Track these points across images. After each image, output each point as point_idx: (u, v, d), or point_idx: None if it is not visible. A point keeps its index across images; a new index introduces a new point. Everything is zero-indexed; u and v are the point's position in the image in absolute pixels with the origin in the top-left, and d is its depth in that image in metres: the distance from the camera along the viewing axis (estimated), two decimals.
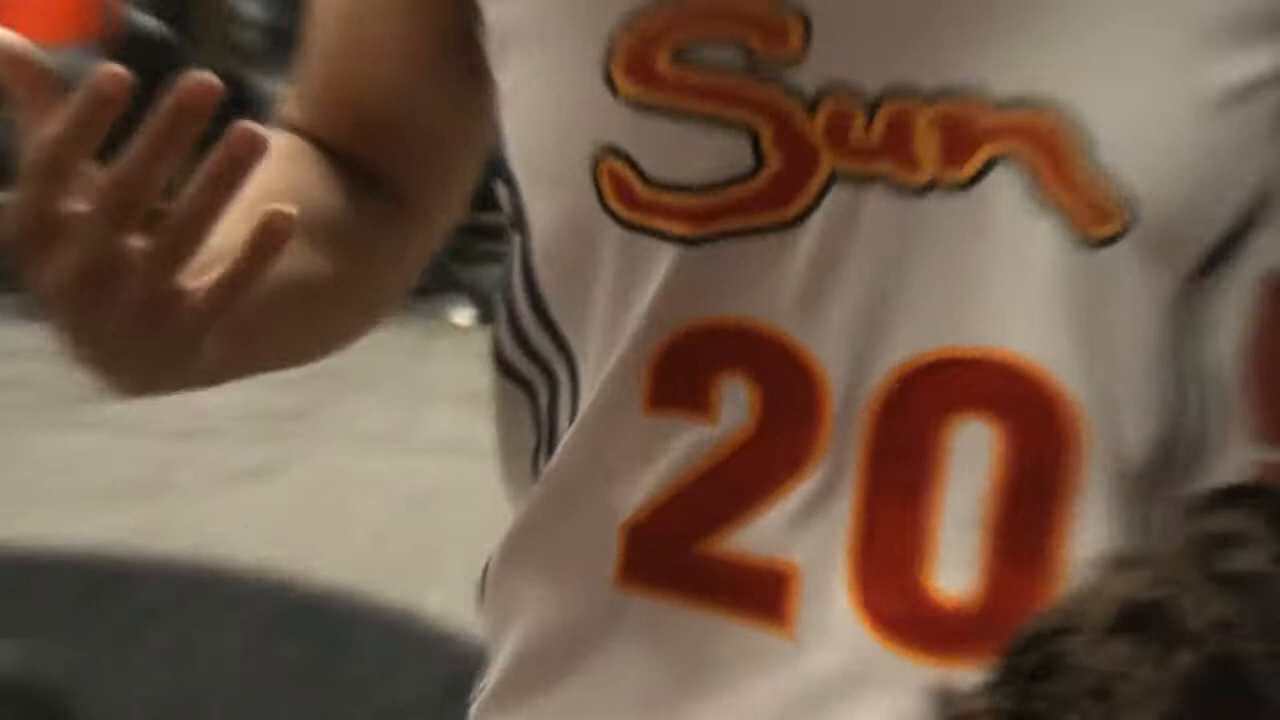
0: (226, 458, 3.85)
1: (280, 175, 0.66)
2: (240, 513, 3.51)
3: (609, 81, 0.62)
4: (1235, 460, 0.66)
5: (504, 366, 0.68)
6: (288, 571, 2.72)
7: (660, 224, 0.62)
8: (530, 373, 0.67)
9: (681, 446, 0.64)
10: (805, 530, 0.63)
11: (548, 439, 0.67)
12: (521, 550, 0.67)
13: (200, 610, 2.61)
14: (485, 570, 0.69)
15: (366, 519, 3.59)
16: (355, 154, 0.72)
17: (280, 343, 0.68)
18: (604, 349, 0.64)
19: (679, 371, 0.64)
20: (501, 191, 0.67)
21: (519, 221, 0.66)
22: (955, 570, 0.62)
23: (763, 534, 0.63)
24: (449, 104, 0.70)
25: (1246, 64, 0.61)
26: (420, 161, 0.72)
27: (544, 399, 0.67)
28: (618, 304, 0.64)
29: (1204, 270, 0.63)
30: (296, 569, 2.74)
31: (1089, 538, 0.62)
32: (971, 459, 0.62)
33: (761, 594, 0.63)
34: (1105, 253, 0.61)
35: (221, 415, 3.68)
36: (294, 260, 0.62)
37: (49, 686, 2.37)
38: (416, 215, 0.72)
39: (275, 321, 0.65)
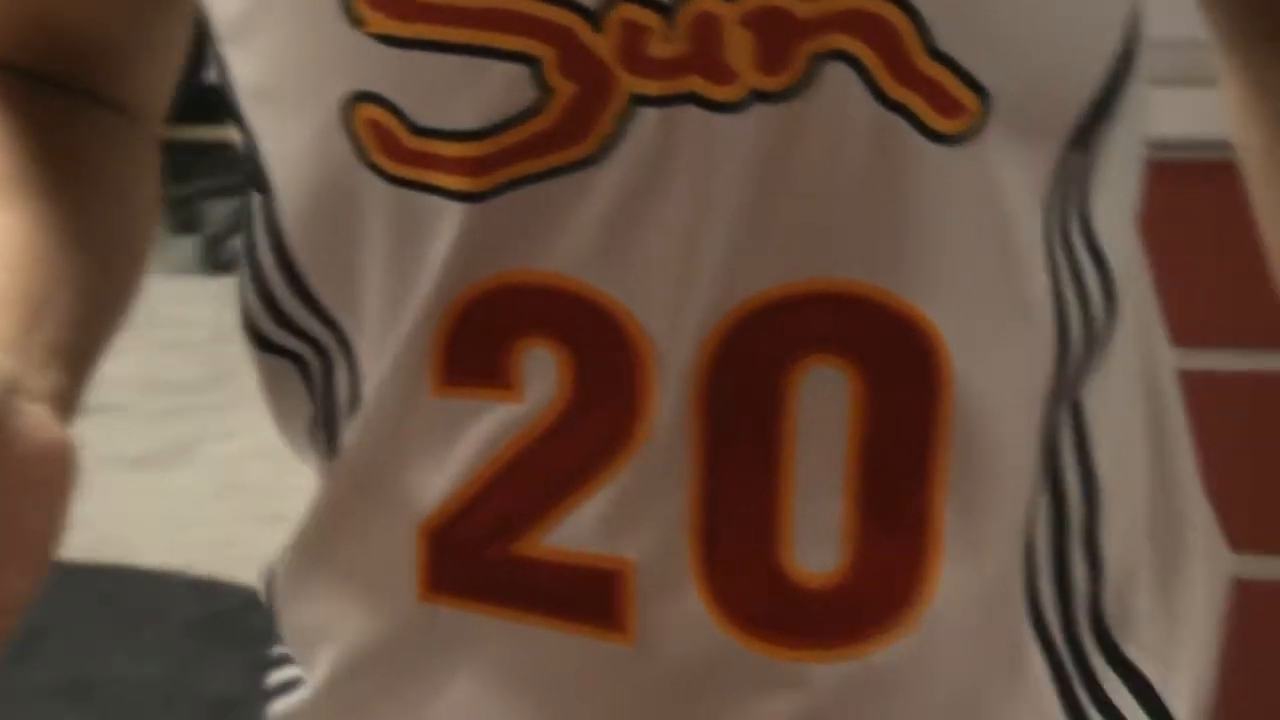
0: (127, 439, 3.48)
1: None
2: (145, 505, 3.22)
3: (352, 15, 0.54)
4: (1130, 364, 0.64)
5: (259, 340, 0.63)
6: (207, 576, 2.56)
7: (436, 178, 0.56)
8: (295, 345, 0.62)
9: (482, 431, 0.57)
10: (636, 519, 0.57)
11: (324, 412, 0.62)
12: (311, 560, 0.63)
13: (101, 628, 2.39)
14: (269, 579, 0.65)
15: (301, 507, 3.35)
16: (57, 71, 0.68)
17: (108, 333, 0.66)
18: (382, 324, 0.58)
19: (473, 343, 0.58)
20: (237, 137, 0.60)
21: (259, 178, 0.60)
22: (817, 546, 0.57)
23: (585, 528, 0.57)
24: (154, 19, 0.67)
25: None
26: (127, 70, 0.69)
27: (316, 369, 0.62)
28: (393, 273, 0.57)
29: (1076, 144, 0.59)
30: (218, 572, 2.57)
31: (967, 489, 0.57)
32: (824, 412, 0.56)
33: (590, 598, 0.57)
34: (965, 150, 0.55)
35: (117, 389, 3.37)
36: (98, 247, 0.64)
37: None
38: (141, 118, 0.70)
39: (102, 318, 0.65)
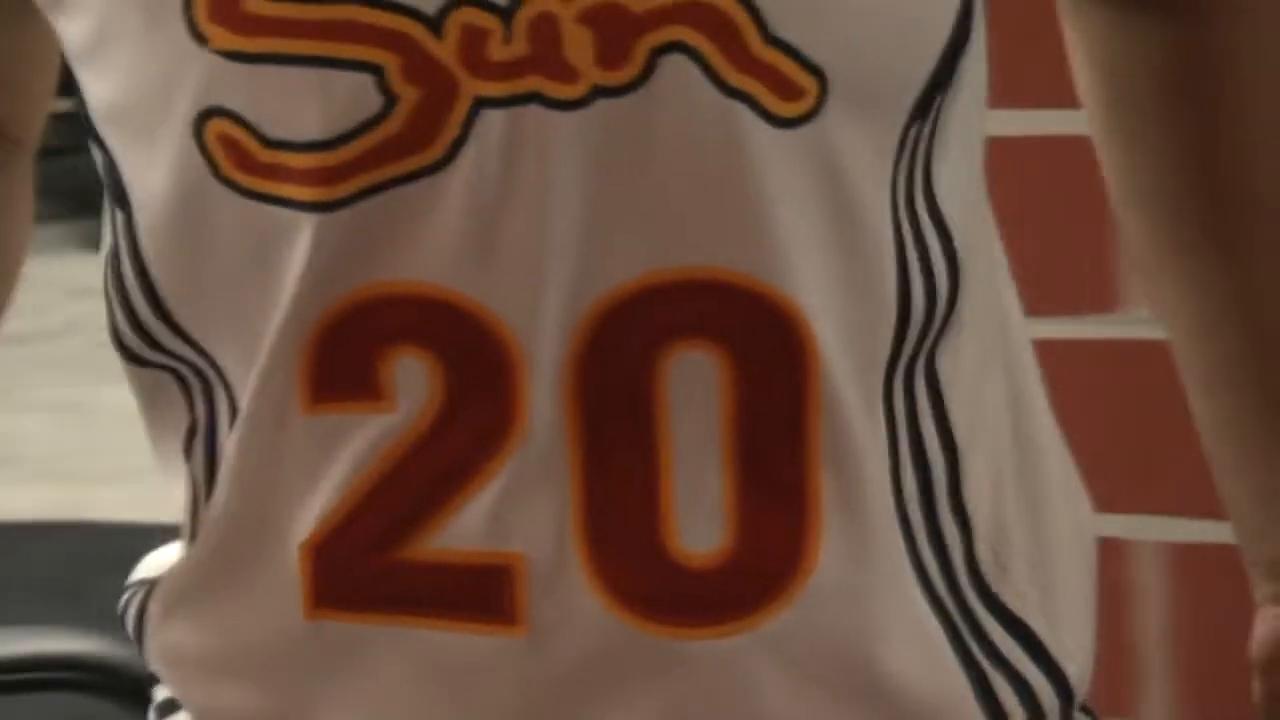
0: None
1: None
2: None
3: (196, 33, 0.57)
4: (984, 328, 0.66)
5: (130, 355, 0.63)
6: None
7: (288, 190, 0.58)
8: (167, 362, 0.62)
9: (357, 444, 0.59)
10: (521, 514, 0.59)
11: (207, 428, 0.62)
12: (187, 590, 0.63)
13: None
14: (138, 613, 0.65)
15: None
16: None
17: None
18: (245, 346, 0.59)
19: (340, 358, 0.59)
20: (95, 155, 0.62)
21: (118, 194, 0.61)
22: (700, 525, 0.59)
23: (471, 527, 0.59)
24: (16, 34, 0.66)
25: None
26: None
27: (195, 385, 0.62)
28: (251, 292, 0.59)
29: (917, 117, 0.61)
30: None
31: (847, 452, 0.59)
32: (695, 396, 0.59)
33: (482, 594, 0.59)
34: (807, 130, 0.58)
35: None
36: None
37: None
38: (14, 141, 0.71)
39: None
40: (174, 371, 0.63)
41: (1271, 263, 0.70)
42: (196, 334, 0.61)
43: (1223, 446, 0.72)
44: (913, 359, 0.62)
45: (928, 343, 0.63)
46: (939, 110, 0.62)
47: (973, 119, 0.65)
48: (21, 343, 4.20)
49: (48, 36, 0.64)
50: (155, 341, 0.62)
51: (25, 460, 3.88)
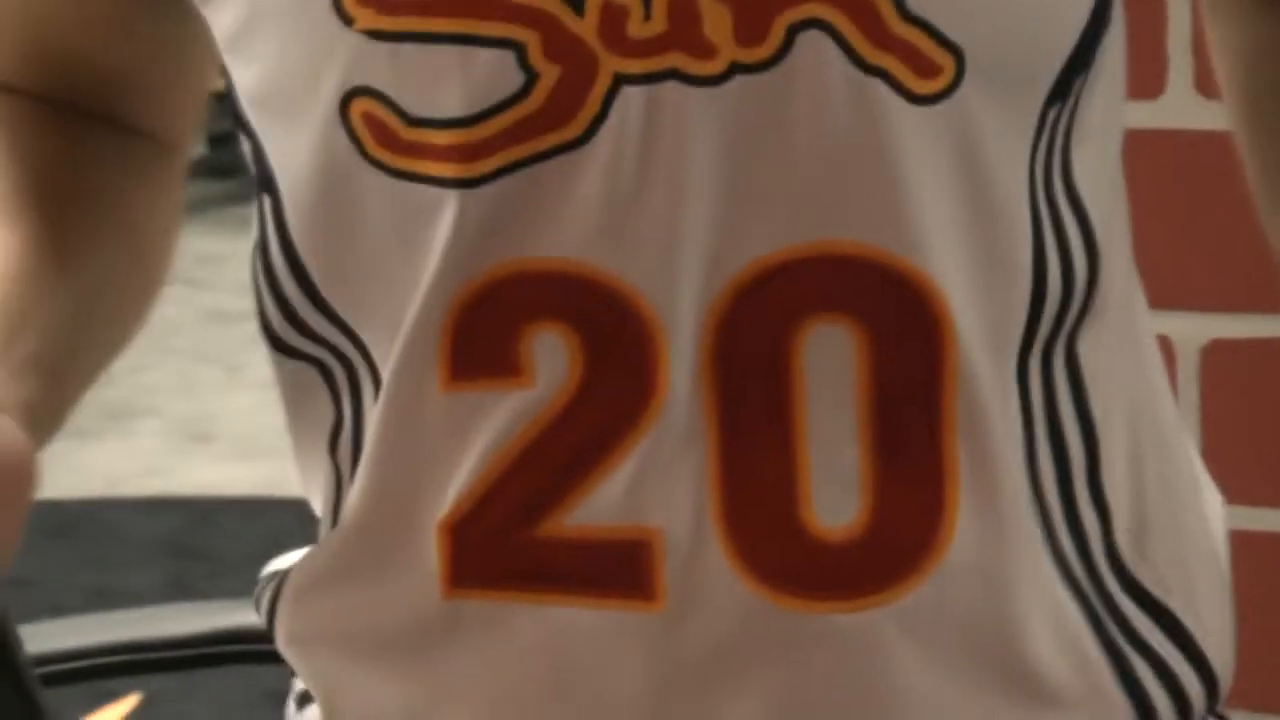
0: None
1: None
2: None
3: (340, 12, 0.57)
4: (1121, 317, 0.66)
5: (280, 345, 0.64)
6: None
7: (431, 167, 0.58)
8: (315, 351, 0.63)
9: (496, 421, 0.59)
10: (660, 488, 0.59)
11: (354, 423, 0.62)
12: (323, 585, 0.64)
13: None
14: (270, 602, 0.66)
15: None
16: (76, 98, 0.71)
17: (102, 353, 0.69)
18: (391, 323, 0.60)
19: (480, 334, 0.60)
20: (243, 144, 0.63)
21: (266, 181, 0.63)
22: (836, 499, 0.59)
23: (609, 502, 0.59)
24: (152, 37, 0.68)
25: None
26: (145, 95, 0.72)
27: (341, 377, 0.63)
28: (396, 269, 0.60)
29: (1061, 93, 0.61)
30: None
31: (982, 425, 0.59)
32: (831, 369, 0.59)
33: (620, 569, 0.59)
34: (944, 107, 0.58)
35: None
36: (95, 273, 0.67)
37: None
38: (164, 141, 0.73)
39: (96, 340, 0.68)
40: (321, 364, 0.64)
41: None
42: (346, 315, 0.61)
43: None
44: (1050, 342, 0.62)
45: (1065, 327, 0.62)
46: (1078, 94, 0.61)
47: (1113, 105, 0.64)
48: (234, 320, 4.26)
49: (194, 38, 0.66)
50: (305, 326, 0.63)
51: (228, 437, 3.95)
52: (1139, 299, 0.69)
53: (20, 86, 0.70)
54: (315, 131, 0.59)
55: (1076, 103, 0.61)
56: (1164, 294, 1.32)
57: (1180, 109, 1.26)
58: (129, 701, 2.56)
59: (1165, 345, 1.41)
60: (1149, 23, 1.28)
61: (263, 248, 0.63)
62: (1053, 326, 0.62)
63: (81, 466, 3.51)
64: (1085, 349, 0.63)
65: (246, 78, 0.61)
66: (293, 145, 0.61)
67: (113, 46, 0.69)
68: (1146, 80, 1.32)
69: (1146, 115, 1.35)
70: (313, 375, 0.64)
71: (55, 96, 0.70)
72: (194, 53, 0.68)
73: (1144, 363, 0.69)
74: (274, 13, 0.59)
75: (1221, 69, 0.74)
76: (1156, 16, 1.27)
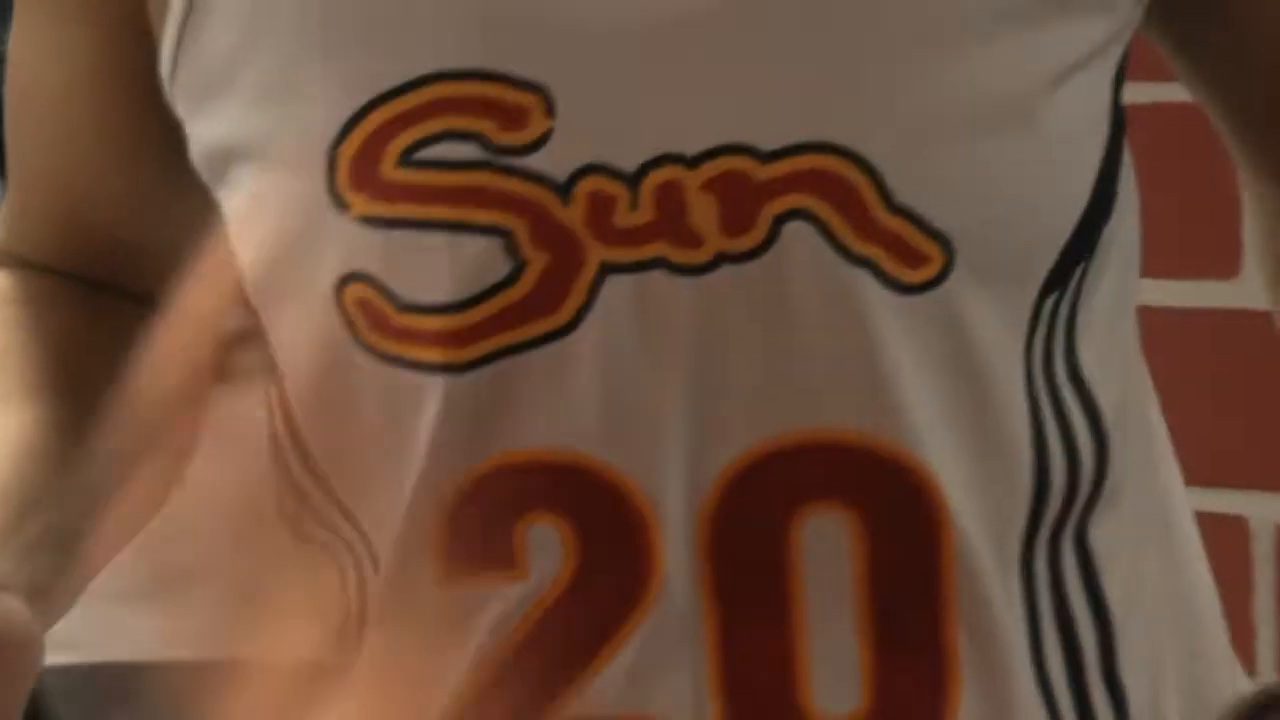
0: None
1: (39, 339, 0.70)
2: None
3: (338, 200, 0.59)
4: (1141, 501, 0.65)
5: (295, 530, 0.64)
6: None
7: (420, 353, 0.59)
8: (323, 536, 0.63)
9: (493, 614, 0.60)
10: (659, 677, 0.59)
11: (359, 614, 0.62)
12: None
13: None
14: None
15: None
16: (88, 271, 0.73)
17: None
18: (387, 512, 0.61)
19: (472, 527, 0.60)
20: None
21: (268, 361, 0.64)
22: (836, 687, 0.59)
23: (610, 691, 0.59)
24: (177, 215, 0.68)
25: (1030, 64, 0.59)
26: (166, 272, 0.67)
27: (349, 564, 0.63)
28: (388, 455, 0.60)
29: (1059, 279, 0.61)
30: None
31: (984, 615, 0.59)
32: (828, 558, 0.59)
33: None
34: (932, 297, 0.58)
35: None
36: (119, 448, 0.64)
37: None
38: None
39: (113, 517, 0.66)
40: (329, 548, 0.64)
41: None
42: (348, 501, 0.62)
43: None
44: (1057, 530, 0.61)
45: (1074, 515, 0.62)
46: (1079, 282, 0.61)
47: (1123, 290, 0.64)
48: None
49: (202, 213, 0.67)
50: (313, 509, 0.64)
51: None
52: (1169, 481, 0.68)
53: (48, 263, 0.72)
54: (311, 314, 0.60)
55: (1079, 291, 0.61)
56: (1238, 474, 1.32)
57: (1258, 290, 1.27)
58: None
59: (1240, 525, 1.41)
60: (1223, 202, 1.29)
61: (271, 428, 0.64)
62: (1059, 515, 0.61)
63: None
64: (1098, 535, 0.62)
65: (249, 261, 0.62)
66: (291, 326, 0.61)
67: (134, 223, 0.71)
68: (1223, 260, 1.33)
69: (1224, 295, 1.35)
70: (327, 564, 0.65)
71: (80, 273, 0.72)
72: (195, 223, 0.70)
73: (1174, 544, 0.67)
74: (273, 196, 0.60)
75: (1255, 234, 0.75)
76: (1230, 194, 1.28)
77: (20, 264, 0.72)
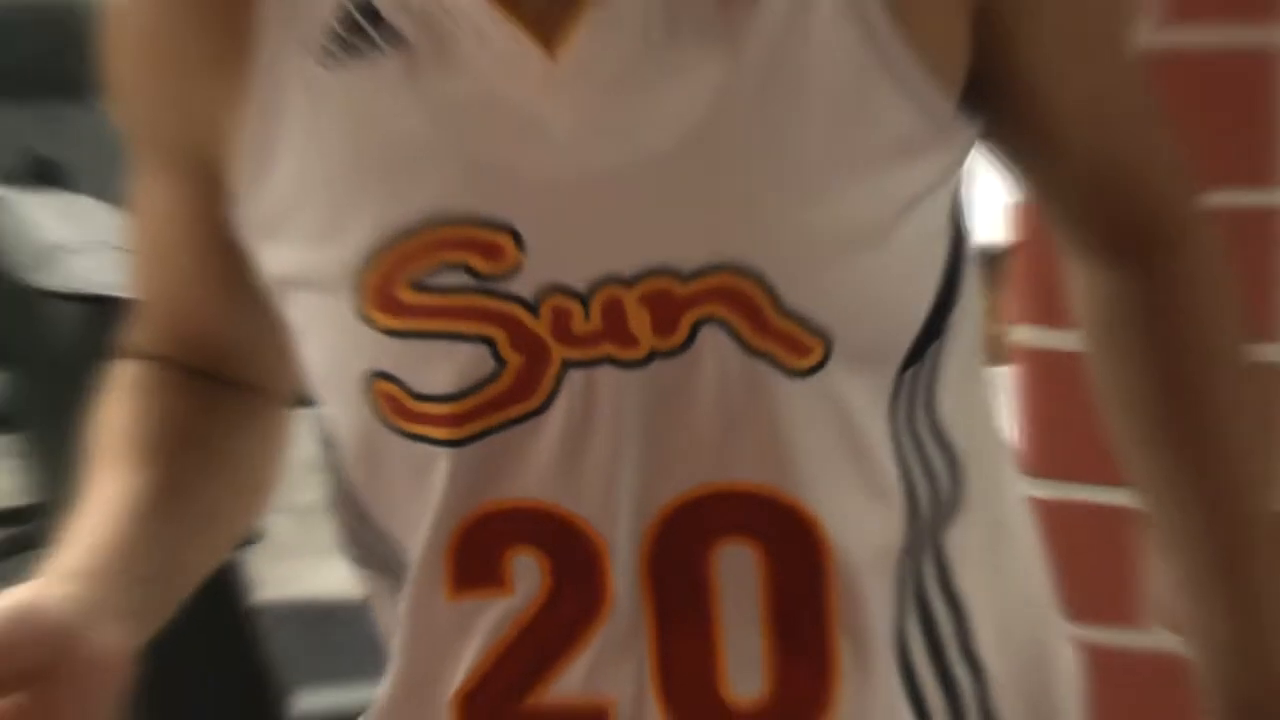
0: None
1: (157, 416, 0.82)
2: None
3: (364, 318, 0.71)
4: (985, 511, 0.78)
5: (357, 560, 0.81)
6: None
7: (431, 431, 0.72)
8: (381, 565, 0.79)
9: (489, 621, 0.74)
10: (611, 670, 0.73)
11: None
12: None
13: None
14: None
15: None
16: (201, 363, 0.85)
17: (206, 565, 0.81)
18: (412, 543, 0.75)
19: (474, 556, 0.74)
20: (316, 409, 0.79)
21: (329, 435, 0.78)
22: (745, 677, 0.73)
23: (575, 679, 0.73)
24: (263, 323, 0.80)
25: (888, 191, 0.71)
26: (255, 363, 0.85)
27: (391, 585, 0.78)
28: (413, 503, 0.74)
29: (915, 358, 0.73)
30: None
31: (859, 617, 0.72)
32: (739, 579, 0.72)
33: None
34: (815, 380, 0.70)
35: None
36: (206, 505, 0.80)
37: None
38: (272, 395, 0.86)
39: (202, 557, 0.80)
40: (385, 573, 0.78)
41: (1209, 448, 0.82)
42: (387, 532, 0.76)
43: (1183, 603, 0.83)
44: (919, 543, 0.74)
45: (932, 534, 0.75)
46: (934, 356, 0.74)
47: (971, 355, 0.77)
48: None
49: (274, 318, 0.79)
50: (366, 545, 0.78)
51: None
52: (1009, 484, 0.83)
53: (164, 356, 0.85)
54: (351, 400, 0.73)
55: (934, 362, 0.74)
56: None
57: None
58: None
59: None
60: (1262, 114, 1.38)
61: (331, 488, 0.79)
62: (922, 533, 0.74)
63: None
64: (952, 543, 0.76)
65: (304, 359, 0.76)
66: (337, 408, 0.75)
67: (223, 327, 0.84)
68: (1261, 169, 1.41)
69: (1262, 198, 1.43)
70: (382, 586, 0.79)
71: (187, 362, 0.85)
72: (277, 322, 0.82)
73: (1014, 541, 0.82)
74: (318, 313, 0.74)
75: (1079, 307, 0.87)
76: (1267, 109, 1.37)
77: (145, 356, 0.85)
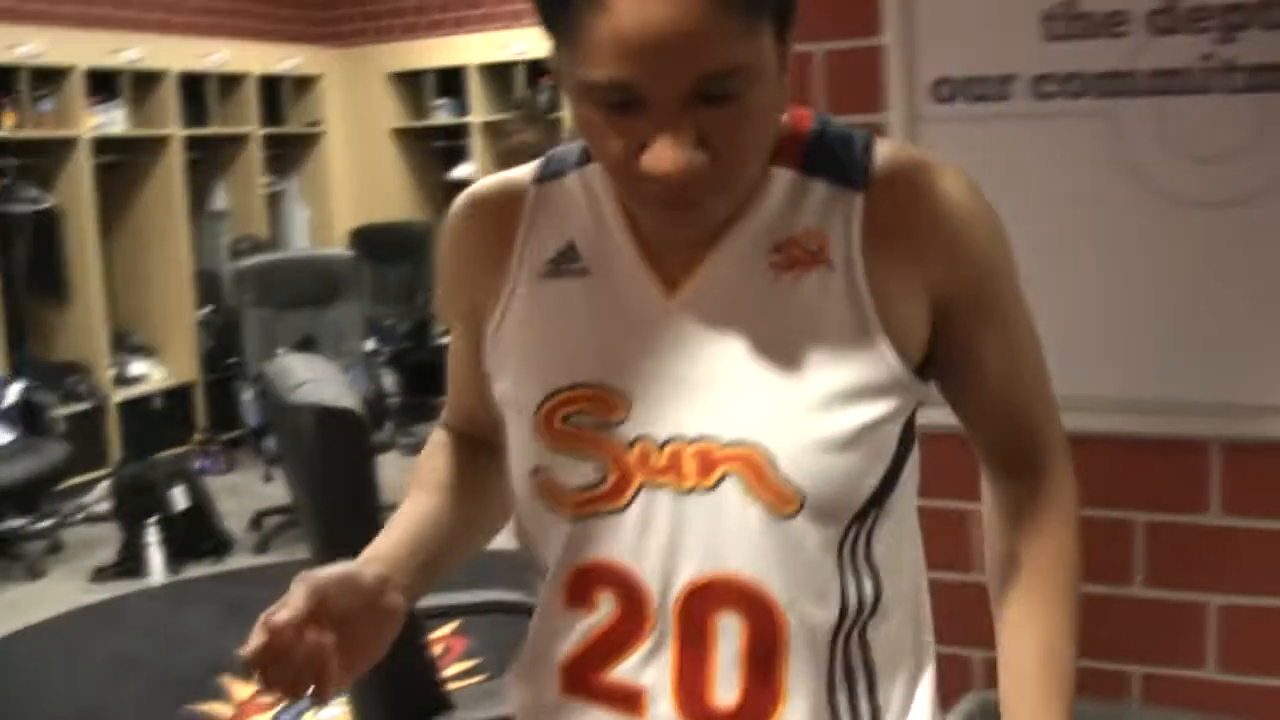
0: None
1: (447, 463, 1.28)
2: None
3: (535, 434, 1.11)
4: (901, 605, 1.13)
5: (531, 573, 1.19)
6: None
7: (562, 511, 1.11)
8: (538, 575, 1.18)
9: (583, 626, 1.13)
10: (647, 669, 1.11)
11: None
12: (517, 673, 1.22)
13: None
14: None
15: None
16: (470, 432, 1.31)
17: (462, 558, 1.24)
18: (545, 572, 1.15)
19: (577, 586, 1.13)
20: None
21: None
22: (726, 692, 1.09)
23: (625, 670, 1.12)
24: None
25: (857, 417, 1.05)
26: (499, 435, 1.20)
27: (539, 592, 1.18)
28: (549, 548, 1.14)
29: (859, 520, 1.08)
30: None
31: (801, 667, 1.09)
32: (730, 633, 1.08)
33: (628, 702, 1.12)
34: (789, 523, 1.05)
35: None
36: (465, 521, 1.22)
37: None
38: (500, 450, 1.21)
39: (457, 556, 1.23)
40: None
41: (1042, 606, 1.14)
42: (538, 563, 1.15)
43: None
44: (848, 628, 1.10)
45: (859, 626, 1.10)
46: (874, 516, 1.08)
47: (905, 517, 1.13)
48: None
49: None
50: (532, 567, 1.17)
51: None
52: (920, 588, 1.16)
53: (458, 428, 1.32)
54: (524, 481, 1.12)
55: (874, 521, 1.08)
56: None
57: None
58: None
59: None
60: None
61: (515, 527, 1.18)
62: (850, 624, 1.09)
63: None
64: (872, 634, 1.11)
65: (508, 451, 1.15)
66: (517, 485, 1.13)
67: (486, 413, 1.22)
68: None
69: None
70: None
71: (468, 432, 1.30)
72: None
73: (918, 625, 1.16)
74: (514, 426, 1.13)
75: (983, 501, 1.21)
76: None
77: (446, 426, 1.33)
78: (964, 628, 1.85)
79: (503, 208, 1.18)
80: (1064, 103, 2.01)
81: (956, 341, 1.10)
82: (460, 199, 1.22)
